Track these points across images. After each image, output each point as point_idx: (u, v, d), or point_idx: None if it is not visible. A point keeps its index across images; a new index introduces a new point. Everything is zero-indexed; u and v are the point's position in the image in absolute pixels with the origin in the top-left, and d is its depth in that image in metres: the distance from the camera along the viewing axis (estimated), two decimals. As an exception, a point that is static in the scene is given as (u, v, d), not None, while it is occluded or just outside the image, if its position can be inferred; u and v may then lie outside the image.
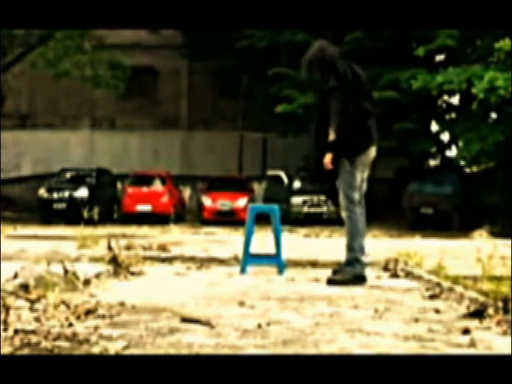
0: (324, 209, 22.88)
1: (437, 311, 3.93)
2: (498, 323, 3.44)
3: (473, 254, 5.22)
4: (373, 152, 5.65)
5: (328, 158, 5.41)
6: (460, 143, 21.44)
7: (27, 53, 24.48)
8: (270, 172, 25.75)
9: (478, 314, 3.67)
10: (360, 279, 5.31)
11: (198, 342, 2.96)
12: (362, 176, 5.57)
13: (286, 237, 6.88)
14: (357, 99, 5.49)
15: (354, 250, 5.41)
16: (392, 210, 23.18)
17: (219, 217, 22.76)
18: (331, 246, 6.81)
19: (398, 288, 5.06)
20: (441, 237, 14.14)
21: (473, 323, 3.50)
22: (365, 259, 5.44)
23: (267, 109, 23.42)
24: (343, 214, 5.50)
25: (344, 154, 5.46)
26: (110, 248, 5.91)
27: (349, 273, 5.34)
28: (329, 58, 5.48)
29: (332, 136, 5.36)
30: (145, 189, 23.78)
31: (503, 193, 19.66)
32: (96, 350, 2.75)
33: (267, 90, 23.27)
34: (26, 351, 2.69)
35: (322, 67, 5.50)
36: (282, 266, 6.05)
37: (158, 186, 24.00)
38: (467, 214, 19.83)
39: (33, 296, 3.87)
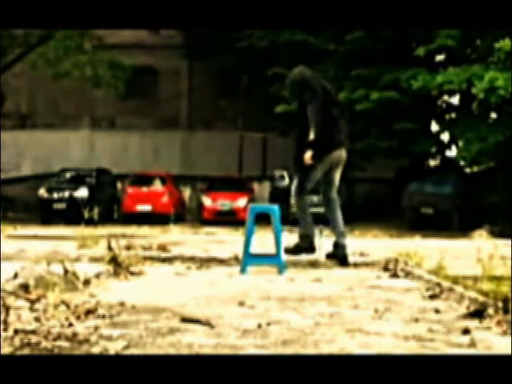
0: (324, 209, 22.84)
1: (437, 311, 3.93)
2: (498, 323, 3.44)
3: (473, 254, 5.22)
4: (338, 154, 6.68)
5: (308, 155, 6.50)
6: (460, 143, 21.44)
7: (27, 53, 24.49)
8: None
9: (478, 314, 3.66)
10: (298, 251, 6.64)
11: (198, 342, 2.96)
12: (322, 172, 6.66)
13: (286, 237, 6.88)
14: (327, 107, 6.58)
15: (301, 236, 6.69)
16: (392, 209, 23.19)
17: (219, 217, 22.76)
18: (331, 245, 6.82)
19: (397, 288, 5.05)
20: (441, 237, 14.14)
21: (473, 323, 3.50)
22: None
23: (267, 109, 23.42)
24: (292, 200, 6.81)
25: (314, 152, 6.55)
26: (109, 248, 5.90)
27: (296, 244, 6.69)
28: (306, 79, 6.70)
29: (312, 136, 6.49)
30: (145, 189, 23.78)
31: (503, 193, 19.66)
32: (96, 350, 2.75)
33: (267, 90, 23.27)
34: (26, 351, 2.69)
35: (301, 86, 6.69)
36: (282, 266, 6.05)
37: (158, 186, 24.00)
38: (467, 214, 19.83)
39: (33, 296, 3.87)
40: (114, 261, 5.70)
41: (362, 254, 7.56)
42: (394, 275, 5.91)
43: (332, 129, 6.61)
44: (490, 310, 3.66)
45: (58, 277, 4.48)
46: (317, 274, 5.85)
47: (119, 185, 25.36)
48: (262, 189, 26.63)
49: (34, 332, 3.02)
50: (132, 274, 5.62)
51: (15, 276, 4.47)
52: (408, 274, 5.83)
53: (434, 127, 24.04)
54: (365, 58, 21.56)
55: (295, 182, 6.75)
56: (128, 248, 7.12)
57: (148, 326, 3.30)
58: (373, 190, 27.73)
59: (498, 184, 20.12)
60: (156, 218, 22.02)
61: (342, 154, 6.73)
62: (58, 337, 2.96)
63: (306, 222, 6.79)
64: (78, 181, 23.37)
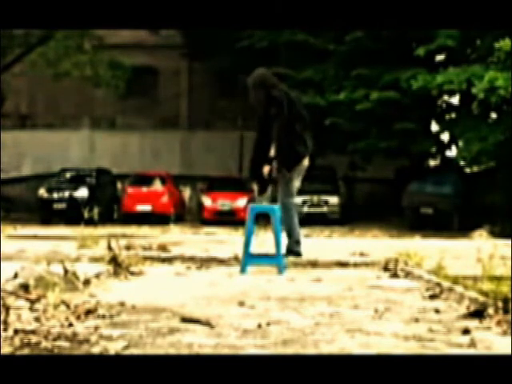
0: (324, 209, 22.92)
1: (437, 311, 3.93)
2: (498, 323, 3.43)
3: (473, 254, 5.22)
4: (305, 162, 7.00)
5: (266, 169, 6.79)
6: (460, 143, 21.44)
7: (27, 53, 24.48)
8: None
9: (478, 314, 3.66)
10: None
11: (198, 342, 2.96)
12: (298, 180, 6.96)
13: (286, 237, 6.89)
14: (290, 124, 6.78)
15: (291, 241, 6.77)
16: (392, 209, 23.19)
17: (219, 217, 22.76)
18: (331, 245, 6.84)
19: (398, 288, 5.05)
20: (441, 237, 14.13)
21: (473, 323, 3.50)
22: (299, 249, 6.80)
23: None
24: (282, 212, 6.74)
25: (284, 166, 6.84)
26: (110, 248, 5.90)
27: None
28: (268, 85, 6.84)
29: (272, 152, 6.75)
30: (145, 189, 23.78)
31: (503, 193, 19.65)
32: (96, 350, 2.75)
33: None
34: (26, 351, 2.69)
35: (263, 91, 6.83)
36: (282, 266, 6.05)
37: (157, 186, 24.00)
38: (467, 214, 19.82)
39: (33, 296, 3.86)
40: (114, 261, 5.69)
41: (362, 254, 7.55)
42: (394, 275, 5.91)
43: (296, 144, 6.88)
44: (490, 310, 3.66)
45: (58, 277, 4.48)
46: (317, 274, 5.85)
47: (119, 185, 25.35)
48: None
49: (34, 332, 3.02)
50: (132, 273, 5.62)
51: (15, 276, 4.47)
52: (408, 274, 5.83)
53: (434, 127, 24.02)
54: (365, 58, 21.55)
55: (280, 200, 6.92)
56: (128, 248, 7.11)
57: (148, 326, 3.30)
58: (373, 190, 27.72)
59: (498, 184, 20.11)
60: (156, 218, 22.02)
61: (305, 163, 7.10)
62: (58, 337, 2.96)
63: (295, 231, 6.95)
64: (78, 181, 23.38)
